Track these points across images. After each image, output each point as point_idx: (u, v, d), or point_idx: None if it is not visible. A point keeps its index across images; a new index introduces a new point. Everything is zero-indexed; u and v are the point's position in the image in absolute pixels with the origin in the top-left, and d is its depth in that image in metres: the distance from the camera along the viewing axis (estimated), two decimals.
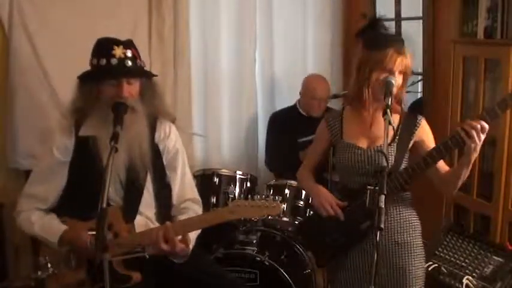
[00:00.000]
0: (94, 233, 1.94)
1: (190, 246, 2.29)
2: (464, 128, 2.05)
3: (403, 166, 2.27)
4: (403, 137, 2.27)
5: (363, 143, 2.31)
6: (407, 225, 2.32)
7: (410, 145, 2.28)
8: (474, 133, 2.02)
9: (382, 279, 2.26)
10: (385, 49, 2.18)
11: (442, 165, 2.24)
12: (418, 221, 2.37)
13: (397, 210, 2.30)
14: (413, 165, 2.20)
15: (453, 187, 2.24)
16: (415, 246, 2.31)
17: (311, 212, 3.30)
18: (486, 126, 2.03)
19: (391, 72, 2.19)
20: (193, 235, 2.34)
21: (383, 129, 2.11)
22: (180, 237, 2.23)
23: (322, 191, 2.39)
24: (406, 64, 2.21)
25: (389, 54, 2.18)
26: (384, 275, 2.27)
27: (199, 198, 2.57)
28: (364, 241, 2.29)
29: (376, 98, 2.23)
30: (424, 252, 2.34)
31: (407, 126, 2.29)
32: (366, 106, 2.28)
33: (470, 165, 2.13)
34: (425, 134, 2.30)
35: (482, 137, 2.04)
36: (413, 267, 2.28)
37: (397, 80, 2.19)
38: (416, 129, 2.28)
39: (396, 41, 2.24)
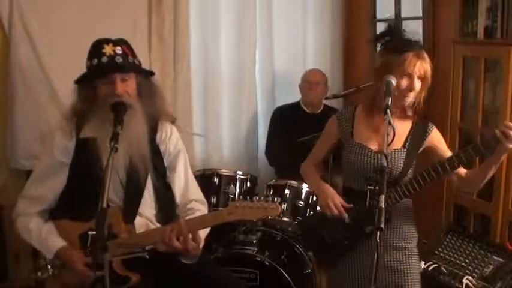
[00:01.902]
0: (94, 233, 1.94)
1: (200, 246, 2.29)
2: (502, 129, 2.03)
3: (410, 171, 2.28)
4: (414, 144, 2.27)
5: (373, 145, 2.29)
6: (408, 231, 2.34)
7: (419, 151, 2.28)
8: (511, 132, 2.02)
9: (381, 283, 2.26)
10: (404, 52, 2.17)
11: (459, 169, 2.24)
12: (415, 227, 2.38)
13: (399, 215, 2.31)
14: (422, 174, 2.19)
15: (478, 186, 2.27)
16: (413, 252, 2.33)
17: (311, 212, 3.31)
18: None
19: (411, 77, 2.17)
20: (202, 234, 2.33)
21: (396, 132, 2.11)
22: (190, 235, 2.22)
23: (328, 190, 2.37)
24: (426, 69, 2.19)
25: (409, 58, 2.16)
26: (383, 279, 2.26)
27: (204, 199, 2.57)
28: (366, 244, 2.29)
29: (393, 102, 2.17)
30: (418, 259, 2.37)
31: (418, 133, 2.28)
32: (380, 110, 2.22)
33: (499, 163, 2.14)
34: (437, 141, 2.30)
35: None
36: (411, 272, 2.30)
37: (415, 86, 2.18)
38: (426, 137, 2.28)
39: (416, 46, 2.22)
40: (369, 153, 2.27)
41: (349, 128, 2.35)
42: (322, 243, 2.40)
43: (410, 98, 2.22)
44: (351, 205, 2.29)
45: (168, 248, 2.21)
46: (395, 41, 2.25)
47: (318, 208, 3.11)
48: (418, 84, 2.19)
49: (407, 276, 2.29)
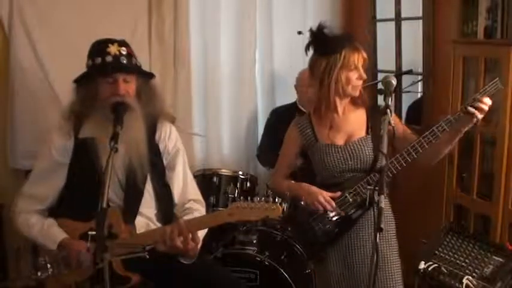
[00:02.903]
0: (94, 233, 1.95)
1: (199, 246, 2.29)
2: (474, 104, 2.19)
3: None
4: (375, 128, 2.37)
5: (340, 141, 2.40)
6: (384, 214, 2.37)
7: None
8: (484, 106, 2.19)
9: (363, 266, 2.36)
10: (342, 49, 2.30)
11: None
12: (391, 210, 2.47)
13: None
14: (408, 151, 2.28)
15: (440, 155, 2.38)
16: (390, 234, 2.42)
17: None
18: (489, 102, 2.22)
19: (357, 68, 2.32)
20: (200, 234, 2.33)
21: (355, 122, 2.37)
22: (190, 235, 2.23)
23: (313, 188, 2.41)
24: (364, 57, 2.35)
25: (350, 53, 2.30)
26: (364, 263, 2.35)
27: (202, 199, 2.57)
28: (353, 229, 2.39)
29: (346, 95, 2.36)
30: (396, 239, 2.46)
31: (376, 118, 2.35)
32: (334, 107, 2.38)
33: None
34: (395, 122, 2.37)
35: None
36: (391, 254, 2.40)
37: (363, 74, 2.33)
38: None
39: (349, 39, 2.36)
40: (338, 149, 2.39)
41: (311, 134, 2.45)
42: (312, 236, 2.44)
43: (360, 86, 2.36)
44: (339, 192, 2.36)
45: (168, 248, 2.21)
46: (327, 43, 2.33)
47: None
48: (363, 74, 2.35)
49: (388, 258, 2.38)
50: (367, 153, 2.36)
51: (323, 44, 2.33)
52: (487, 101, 2.22)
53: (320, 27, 2.36)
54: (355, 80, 2.33)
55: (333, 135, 2.42)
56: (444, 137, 2.28)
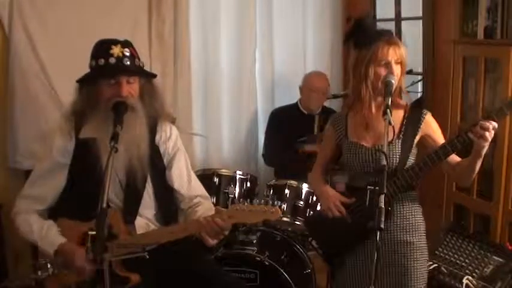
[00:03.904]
0: (94, 233, 1.95)
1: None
2: (474, 130, 2.02)
3: (410, 162, 2.25)
4: (408, 133, 2.25)
5: (368, 142, 2.29)
6: (413, 224, 2.30)
7: (416, 141, 2.26)
8: (486, 133, 2.01)
9: (385, 278, 2.25)
10: (374, 43, 2.18)
11: (452, 158, 2.20)
12: (423, 221, 2.34)
13: (403, 209, 2.29)
14: (419, 164, 2.19)
15: (468, 179, 2.24)
16: (418, 246, 2.28)
17: (312, 212, 3.31)
18: (495, 125, 2.02)
19: (388, 64, 2.18)
20: None
21: (394, 134, 2.15)
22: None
23: (328, 192, 2.39)
24: (400, 53, 2.20)
25: (381, 46, 2.18)
26: (387, 274, 2.26)
27: (207, 194, 2.57)
28: (370, 239, 2.25)
29: (376, 93, 2.22)
30: (427, 253, 2.32)
31: (412, 122, 2.26)
32: (366, 105, 2.25)
33: (482, 157, 2.10)
34: (431, 129, 2.27)
35: (492, 135, 2.03)
36: (416, 267, 2.26)
37: (395, 71, 2.19)
38: (421, 124, 2.25)
39: (384, 34, 2.24)
40: (363, 150, 2.27)
41: (343, 129, 2.37)
42: (329, 241, 2.42)
43: (395, 83, 2.20)
44: (353, 199, 2.30)
45: (217, 236, 2.22)
46: (363, 36, 2.23)
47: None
48: (397, 69, 2.20)
49: (412, 271, 2.25)
50: (392, 159, 2.19)
51: (357, 35, 2.25)
52: (494, 124, 2.02)
53: (363, 18, 2.28)
54: (384, 75, 2.18)
55: (363, 134, 2.30)
56: (466, 161, 2.16)
